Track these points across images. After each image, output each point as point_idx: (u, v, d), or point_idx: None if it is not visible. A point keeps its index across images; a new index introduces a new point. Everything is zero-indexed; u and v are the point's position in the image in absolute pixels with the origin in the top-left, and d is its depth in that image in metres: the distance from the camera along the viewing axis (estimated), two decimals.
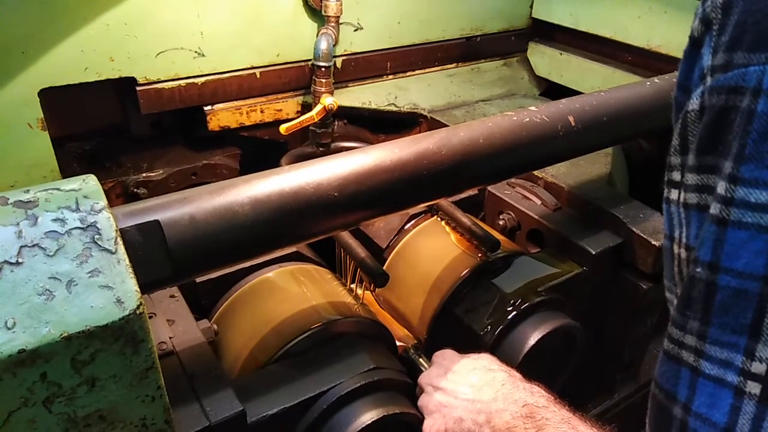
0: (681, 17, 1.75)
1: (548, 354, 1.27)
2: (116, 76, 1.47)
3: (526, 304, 1.21)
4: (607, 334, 1.48)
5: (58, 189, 0.73)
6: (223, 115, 1.66)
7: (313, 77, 1.63)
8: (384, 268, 1.45)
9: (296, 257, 1.32)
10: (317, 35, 1.65)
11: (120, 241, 0.70)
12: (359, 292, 1.28)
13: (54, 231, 0.68)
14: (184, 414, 0.87)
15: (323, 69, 1.58)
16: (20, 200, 0.70)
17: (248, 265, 1.24)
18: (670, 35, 1.78)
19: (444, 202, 1.44)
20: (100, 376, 0.67)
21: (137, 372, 0.69)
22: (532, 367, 1.24)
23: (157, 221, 0.78)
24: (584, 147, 1.26)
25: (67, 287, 0.65)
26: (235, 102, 1.67)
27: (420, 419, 1.05)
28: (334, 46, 1.62)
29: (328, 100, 1.56)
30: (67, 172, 1.62)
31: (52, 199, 0.71)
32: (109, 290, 0.66)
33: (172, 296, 1.13)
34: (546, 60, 2.24)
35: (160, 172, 1.72)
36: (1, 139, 1.36)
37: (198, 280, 1.20)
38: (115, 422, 0.71)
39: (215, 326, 1.13)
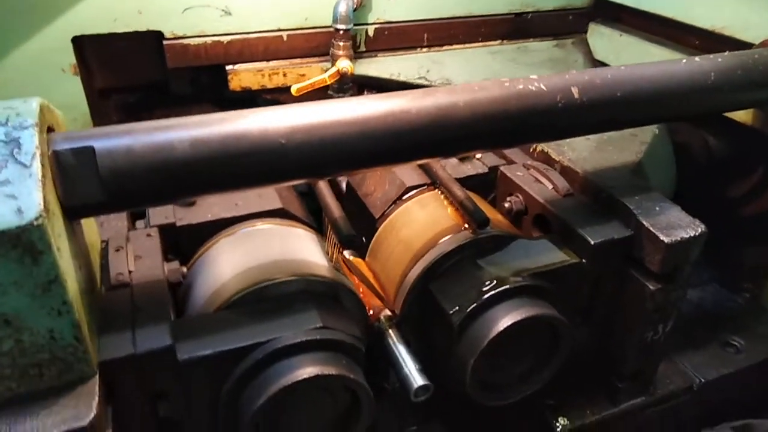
0: None
1: (525, 344, 1.18)
2: (144, 29, 1.55)
3: (503, 287, 1.12)
4: (609, 336, 1.35)
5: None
6: (245, 76, 1.69)
7: (332, 40, 1.61)
8: (374, 237, 1.42)
9: (282, 215, 1.32)
10: None
11: (38, 157, 0.73)
12: (336, 254, 1.26)
13: None
14: (114, 340, 0.90)
15: (341, 32, 1.56)
16: None
17: (230, 216, 1.26)
18: (736, 16, 1.56)
19: (444, 174, 1.38)
20: (1, 281, 0.70)
21: (39, 283, 0.72)
22: (503, 354, 1.16)
23: (91, 147, 0.81)
24: (588, 124, 1.14)
25: None
26: (258, 63, 1.69)
27: (364, 388, 1.02)
28: (354, 10, 1.59)
29: (342, 63, 1.54)
30: (104, 119, 1.74)
31: None
32: (13, 200, 0.69)
33: (148, 235, 1.18)
34: (605, 42, 2.06)
35: None
36: (36, 81, 1.48)
37: (178, 224, 1.23)
38: (22, 329, 0.74)
39: (184, 269, 1.16)
